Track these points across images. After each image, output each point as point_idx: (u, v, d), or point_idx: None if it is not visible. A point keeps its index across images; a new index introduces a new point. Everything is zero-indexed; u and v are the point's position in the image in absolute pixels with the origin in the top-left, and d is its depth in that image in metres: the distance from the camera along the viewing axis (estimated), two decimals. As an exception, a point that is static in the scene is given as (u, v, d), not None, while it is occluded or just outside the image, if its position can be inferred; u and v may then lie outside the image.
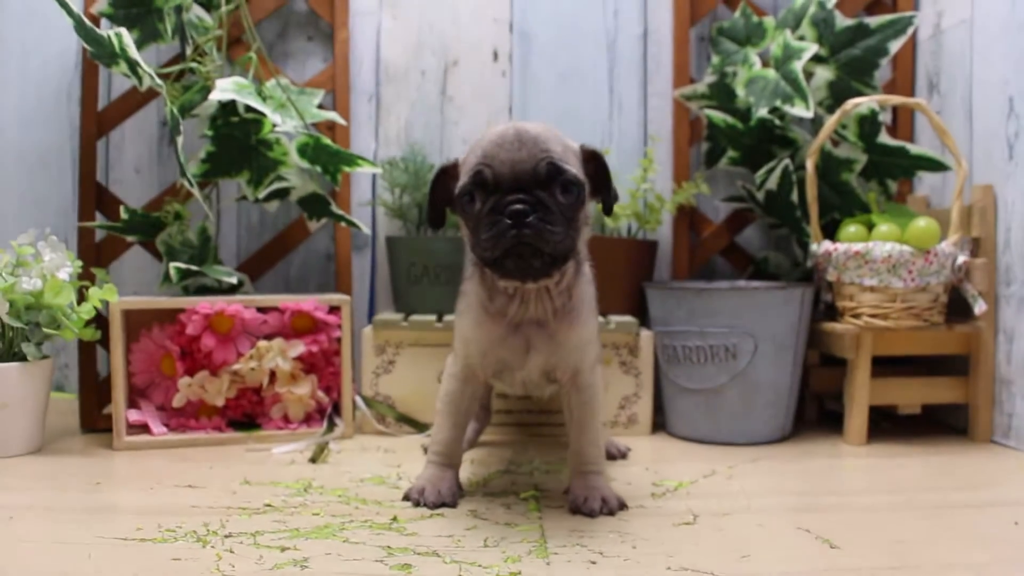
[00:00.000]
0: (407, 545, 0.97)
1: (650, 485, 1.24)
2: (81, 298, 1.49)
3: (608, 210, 1.12)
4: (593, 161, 1.09)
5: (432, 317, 1.60)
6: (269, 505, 1.12)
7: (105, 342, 1.54)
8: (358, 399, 1.57)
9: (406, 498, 1.15)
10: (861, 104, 1.54)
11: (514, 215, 0.98)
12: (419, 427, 1.57)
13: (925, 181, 1.78)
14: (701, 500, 1.17)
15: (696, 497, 1.18)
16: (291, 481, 1.24)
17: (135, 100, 1.69)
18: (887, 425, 1.65)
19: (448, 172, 1.10)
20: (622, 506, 1.12)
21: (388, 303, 1.83)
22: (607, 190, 1.10)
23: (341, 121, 1.65)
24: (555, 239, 1.00)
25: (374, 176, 1.82)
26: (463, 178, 1.04)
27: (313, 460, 1.37)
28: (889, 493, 1.22)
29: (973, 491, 1.24)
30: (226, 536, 0.99)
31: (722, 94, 1.74)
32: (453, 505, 1.13)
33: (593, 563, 0.92)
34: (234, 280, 1.59)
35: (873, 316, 1.51)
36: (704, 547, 0.97)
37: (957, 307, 1.57)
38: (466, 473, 1.28)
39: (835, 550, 0.97)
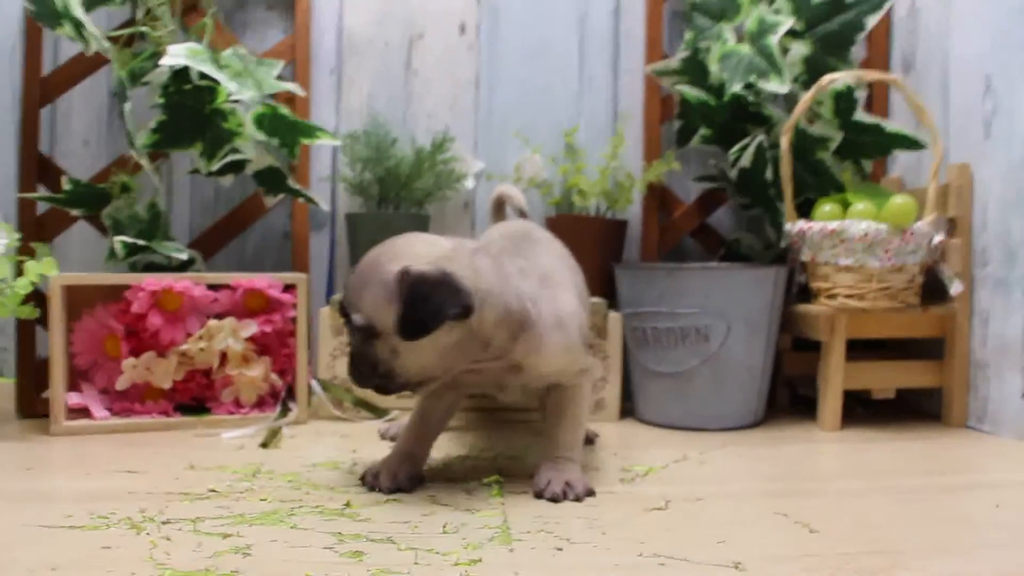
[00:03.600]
0: (359, 531, 0.90)
1: (619, 471, 1.18)
2: (19, 273, 1.40)
3: (405, 334, 0.97)
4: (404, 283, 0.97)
5: (393, 297, 1.53)
6: (213, 490, 1.05)
7: (45, 321, 1.46)
8: (314, 382, 1.50)
9: (362, 480, 1.08)
10: (837, 80, 1.50)
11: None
12: (377, 412, 1.50)
13: (899, 161, 1.75)
14: (672, 485, 1.11)
15: (667, 482, 1.13)
16: (239, 466, 1.17)
17: (83, 66, 1.60)
18: (861, 410, 1.61)
19: None
20: (589, 493, 1.06)
21: (348, 284, 1.75)
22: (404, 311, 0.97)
23: (300, 92, 1.58)
24: (364, 379, 1.05)
25: (335, 150, 1.74)
26: None
27: (264, 445, 1.30)
28: (866, 478, 1.17)
29: (952, 475, 1.19)
30: (163, 523, 0.92)
31: (695, 70, 1.69)
32: (409, 491, 1.06)
33: (559, 550, 0.86)
34: (185, 257, 1.51)
35: (848, 297, 1.46)
36: (677, 533, 0.92)
37: (932, 290, 1.53)
38: (426, 458, 1.22)
39: (815, 534, 0.92)
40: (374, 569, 0.79)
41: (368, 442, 1.34)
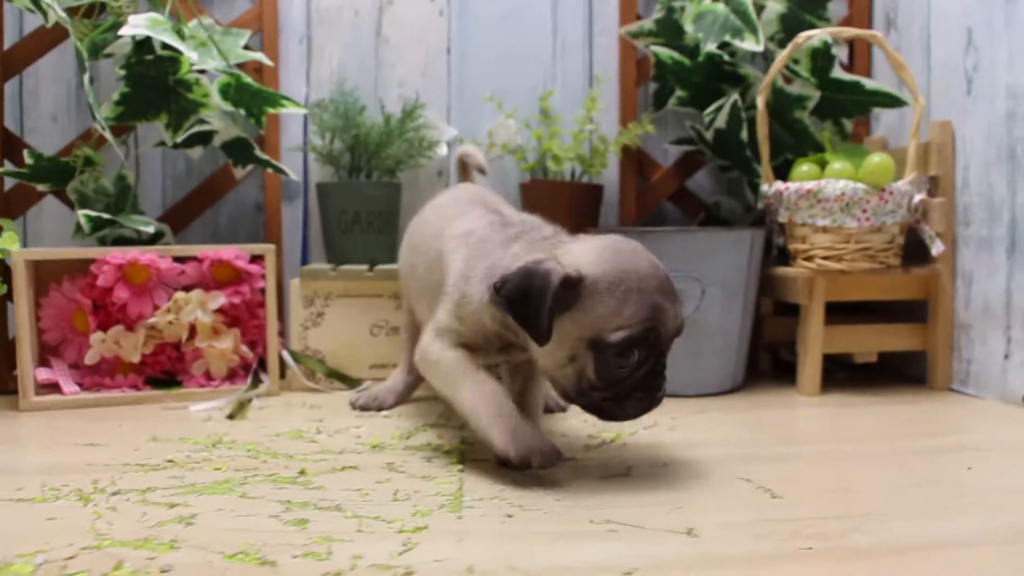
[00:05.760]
0: (308, 500, 0.88)
1: (586, 437, 1.17)
2: (-17, 250, 1.38)
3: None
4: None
5: (363, 267, 1.51)
6: (171, 461, 1.03)
7: (12, 296, 1.44)
8: (285, 354, 1.48)
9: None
10: (813, 37, 1.46)
11: (658, 376, 0.95)
12: (350, 383, 1.48)
13: (882, 121, 1.71)
14: (638, 451, 1.09)
15: (633, 449, 1.11)
16: (201, 437, 1.16)
17: (47, 39, 1.57)
18: (842, 375, 1.59)
19: (571, 285, 0.90)
20: (558, 455, 1.03)
21: (322, 254, 1.73)
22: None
23: (267, 62, 1.55)
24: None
25: (305, 119, 1.71)
26: (626, 326, 0.89)
27: (231, 416, 1.28)
28: (841, 442, 1.15)
29: (933, 438, 1.17)
30: (113, 494, 0.90)
31: (670, 30, 1.65)
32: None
33: (509, 516, 0.84)
34: (152, 230, 1.49)
35: (826, 259, 1.43)
36: (635, 499, 0.90)
37: (914, 252, 1.50)
38: (389, 426, 1.21)
39: (776, 500, 0.90)
40: (316, 536, 0.77)
41: (338, 411, 1.33)
